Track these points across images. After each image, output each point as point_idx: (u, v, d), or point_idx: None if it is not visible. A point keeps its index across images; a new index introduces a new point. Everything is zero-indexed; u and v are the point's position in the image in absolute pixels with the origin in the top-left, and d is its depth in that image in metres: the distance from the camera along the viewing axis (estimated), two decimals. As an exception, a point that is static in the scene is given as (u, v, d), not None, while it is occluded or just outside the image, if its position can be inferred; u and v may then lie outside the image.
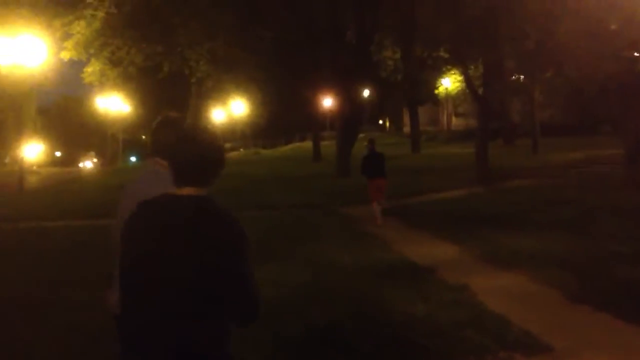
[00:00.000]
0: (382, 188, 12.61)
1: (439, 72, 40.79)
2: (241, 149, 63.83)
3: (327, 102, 37.31)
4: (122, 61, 21.40)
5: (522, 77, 29.30)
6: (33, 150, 71.95)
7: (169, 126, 2.99)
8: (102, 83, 23.94)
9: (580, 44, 12.18)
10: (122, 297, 2.31)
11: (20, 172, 24.36)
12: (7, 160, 51.80)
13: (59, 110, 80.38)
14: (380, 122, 73.24)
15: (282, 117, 54.70)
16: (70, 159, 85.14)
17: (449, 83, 42.77)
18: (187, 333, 2.07)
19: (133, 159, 68.03)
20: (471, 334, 5.29)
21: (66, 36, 21.51)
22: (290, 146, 60.86)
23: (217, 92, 30.66)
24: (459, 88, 42.18)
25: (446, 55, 35.32)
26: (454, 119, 52.70)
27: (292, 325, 5.49)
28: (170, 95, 35.65)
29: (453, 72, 39.78)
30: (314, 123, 42.68)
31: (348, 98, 27.51)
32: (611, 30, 12.33)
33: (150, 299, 2.12)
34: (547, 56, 15.77)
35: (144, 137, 50.07)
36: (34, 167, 67.37)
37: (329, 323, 5.51)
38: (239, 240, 2.13)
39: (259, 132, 63.19)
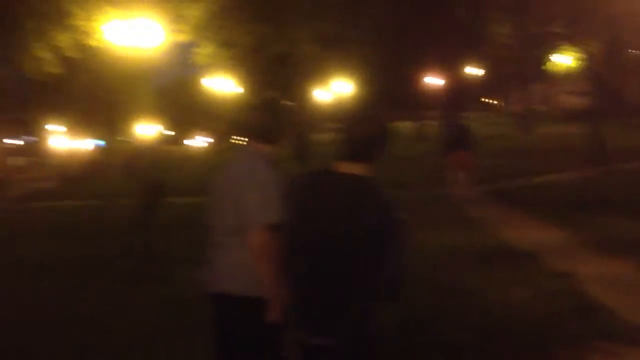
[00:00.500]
0: (463, 162, 12.36)
1: (552, 49, 38.85)
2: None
3: (433, 80, 36.53)
4: (234, 43, 21.94)
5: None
6: (149, 130, 75.72)
7: (267, 108, 3.04)
8: (214, 64, 24.66)
9: None
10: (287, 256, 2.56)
11: (134, 151, 25.78)
12: (125, 139, 54.75)
13: (173, 91, 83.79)
14: (489, 100, 71.00)
15: (389, 95, 54.09)
16: (182, 138, 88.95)
17: (563, 60, 40.63)
18: (343, 298, 2.29)
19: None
20: (572, 324, 5.08)
21: (182, 19, 22.27)
22: (397, 124, 60.12)
23: (321, 71, 30.80)
24: (574, 65, 40.02)
25: (560, 31, 33.67)
26: (568, 98, 50.15)
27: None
28: (276, 76, 36.26)
29: (567, 49, 37.78)
30: (419, 102, 41.93)
31: (455, 75, 26.87)
32: None
33: (311, 261, 2.36)
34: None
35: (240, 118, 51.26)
36: (153, 146, 70.62)
37: (420, 310, 5.39)
38: (390, 218, 2.29)
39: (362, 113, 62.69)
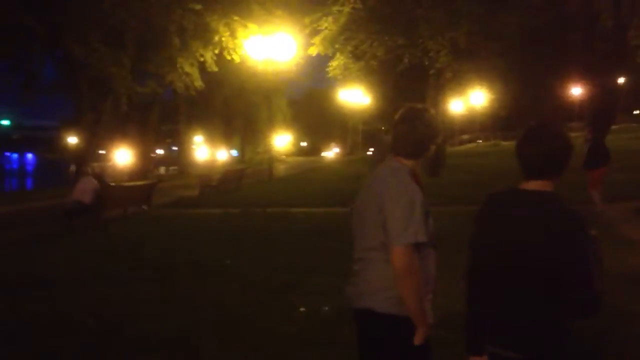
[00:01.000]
0: (596, 178, 11.84)
1: None
2: (479, 141, 62.36)
3: (576, 90, 34.63)
4: (365, 54, 22.01)
5: None
6: (282, 140, 78.10)
7: (410, 120, 2.85)
8: (345, 76, 24.89)
9: None
10: (471, 277, 2.56)
11: (270, 161, 26.52)
12: (259, 150, 56.81)
13: (305, 102, 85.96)
14: (637, 112, 66.36)
15: (525, 107, 52.14)
16: (314, 149, 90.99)
17: None
18: (537, 314, 2.30)
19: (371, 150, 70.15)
20: None
21: (314, 32, 22.71)
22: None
23: (456, 82, 30.09)
24: None
25: None
26: None
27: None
28: (409, 87, 35.96)
29: None
30: (560, 113, 39.94)
31: (601, 86, 25.25)
32: None
33: (501, 281, 2.37)
34: None
35: (382, 128, 51.38)
36: (283, 156, 73.10)
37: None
38: (581, 234, 2.25)
39: (499, 123, 61.08)
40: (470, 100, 48.04)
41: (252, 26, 22.65)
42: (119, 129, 34.09)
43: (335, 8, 21.45)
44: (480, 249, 2.50)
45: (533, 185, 2.40)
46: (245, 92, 45.16)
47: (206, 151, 57.72)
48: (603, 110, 23.92)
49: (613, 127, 38.99)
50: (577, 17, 25.56)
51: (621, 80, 34.93)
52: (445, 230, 10.79)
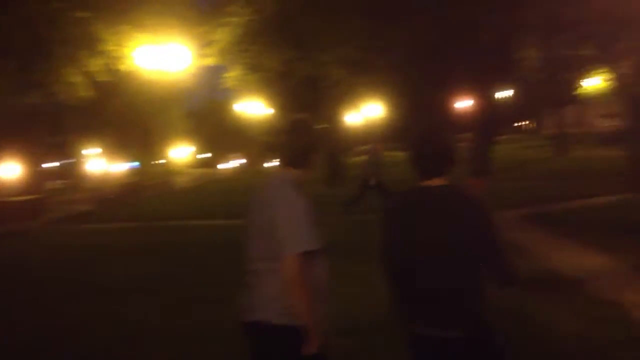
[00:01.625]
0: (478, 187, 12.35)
1: (585, 71, 38.29)
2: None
3: (464, 103, 36.22)
4: (260, 66, 22.03)
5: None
6: (184, 152, 76.56)
7: (297, 131, 2.88)
8: (242, 88, 24.78)
9: None
10: (390, 264, 2.76)
11: (169, 173, 25.92)
12: (159, 162, 55.41)
13: (207, 113, 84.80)
14: (522, 123, 70.34)
15: (418, 119, 53.93)
16: (217, 161, 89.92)
17: (596, 82, 40.03)
18: (452, 286, 2.54)
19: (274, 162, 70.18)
20: (628, 355, 4.83)
21: (210, 43, 22.45)
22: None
23: (352, 95, 30.72)
24: (607, 87, 39.37)
25: (593, 53, 33.12)
26: (601, 120, 49.36)
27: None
28: (307, 98, 36.31)
29: (600, 71, 37.21)
30: (450, 125, 41.62)
31: (485, 99, 26.54)
32: None
33: (419, 265, 2.60)
34: None
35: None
36: (186, 168, 71.63)
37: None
38: (485, 216, 2.57)
39: (394, 135, 62.72)
40: (366, 112, 49.16)
41: (141, 35, 22.00)
42: (3, 142, 32.15)
43: (230, 19, 21.32)
44: (394, 240, 2.73)
45: (432, 182, 2.67)
46: (140, 102, 43.84)
47: (102, 163, 55.51)
48: (487, 121, 25.13)
49: (500, 137, 41.11)
50: (461, 31, 26.71)
51: (508, 93, 36.96)
52: (337, 239, 10.98)
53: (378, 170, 15.00)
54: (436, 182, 2.67)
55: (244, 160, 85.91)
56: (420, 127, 2.84)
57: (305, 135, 2.86)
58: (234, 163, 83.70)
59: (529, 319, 5.81)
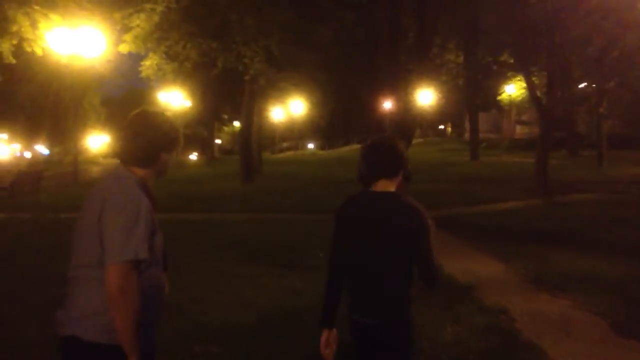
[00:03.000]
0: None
1: (503, 78, 39.54)
2: (298, 149, 63.80)
3: (387, 104, 36.65)
4: (178, 56, 21.37)
5: (586, 85, 27.98)
6: (98, 142, 74.07)
7: (137, 124, 2.60)
8: (159, 77, 24.02)
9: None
10: (333, 262, 3.07)
11: (75, 162, 24.83)
12: (68, 150, 53.33)
13: (125, 103, 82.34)
14: (442, 127, 71.97)
15: (342, 118, 54.30)
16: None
17: (513, 89, 41.42)
18: (389, 287, 2.91)
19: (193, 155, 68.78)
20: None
21: (126, 29, 21.62)
22: (347, 148, 60.48)
23: (276, 90, 30.43)
24: (523, 95, 40.80)
25: (510, 61, 34.18)
26: (517, 127, 51.11)
27: (305, 343, 5.06)
28: (226, 92, 35.75)
29: (517, 79, 38.48)
30: (372, 125, 42.08)
31: (405, 101, 26.83)
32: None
33: (362, 265, 2.95)
34: (611, 65, 14.70)
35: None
36: (101, 158, 69.26)
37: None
38: (422, 227, 2.86)
39: (317, 133, 63.02)
40: (290, 108, 49.07)
41: (55, 17, 20.92)
42: None
43: (148, 6, 20.56)
44: (342, 239, 3.03)
45: (380, 186, 2.96)
46: (52, 88, 42.04)
47: (7, 150, 52.88)
48: (405, 124, 25.44)
49: (418, 140, 41.82)
50: (385, 33, 26.94)
51: (428, 96, 37.58)
52: (241, 239, 10.75)
53: None
54: (383, 186, 2.97)
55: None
56: (373, 136, 3.06)
57: (151, 130, 2.56)
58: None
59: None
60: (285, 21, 19.60)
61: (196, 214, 14.69)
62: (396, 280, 2.90)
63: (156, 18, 20.98)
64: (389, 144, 3.01)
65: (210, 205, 16.24)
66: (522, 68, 19.76)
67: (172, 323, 5.83)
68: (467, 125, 51.64)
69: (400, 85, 27.35)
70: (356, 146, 58.48)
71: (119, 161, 2.61)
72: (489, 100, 44.58)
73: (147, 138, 2.56)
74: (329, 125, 56.91)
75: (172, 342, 5.22)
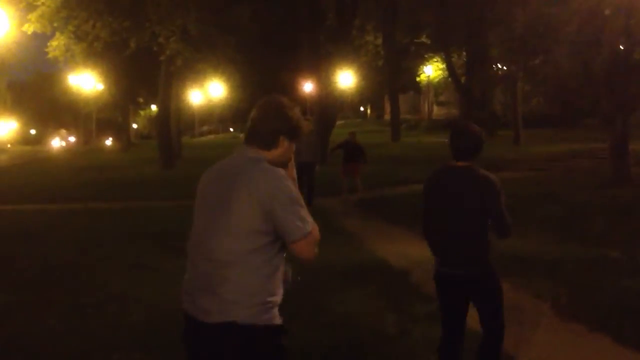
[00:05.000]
0: (354, 170, 14.08)
1: (421, 59, 40.02)
2: (219, 133, 62.67)
3: (307, 86, 36.32)
4: (87, 35, 20.14)
5: (504, 67, 28.60)
6: (4, 128, 70.16)
7: (263, 109, 2.66)
8: (67, 59, 22.63)
9: (572, 29, 11.35)
10: (425, 220, 3.85)
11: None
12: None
13: (33, 87, 78.25)
14: (362, 109, 72.43)
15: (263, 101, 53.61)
16: (44, 137, 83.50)
17: (431, 71, 42.01)
18: (471, 241, 3.65)
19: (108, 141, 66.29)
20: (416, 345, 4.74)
21: (30, 8, 20.25)
22: (268, 130, 59.76)
23: (194, 73, 29.39)
24: (441, 76, 41.45)
25: (429, 42, 34.54)
26: (435, 108, 52.04)
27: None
28: (141, 74, 34.37)
29: (435, 60, 39.02)
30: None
31: (326, 83, 26.65)
32: (605, 15, 11.49)
33: (447, 221, 3.67)
34: (536, 42, 14.87)
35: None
36: (8, 145, 65.63)
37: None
38: (496, 189, 3.57)
39: (238, 116, 62.13)
40: (209, 91, 47.92)
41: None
42: None
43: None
44: (430, 201, 3.76)
45: (461, 164, 3.67)
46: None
47: None
48: (327, 106, 25.23)
49: (340, 122, 41.77)
50: (305, 14, 26.58)
51: (349, 78, 37.53)
52: (168, 227, 10.14)
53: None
54: (463, 163, 3.66)
55: (69, 139, 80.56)
56: (460, 121, 3.31)
57: (274, 116, 2.62)
58: (57, 140, 77.97)
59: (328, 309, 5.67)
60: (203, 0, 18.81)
61: (114, 202, 13.88)
62: (476, 236, 3.62)
63: (63, -5, 19.75)
64: (474, 130, 3.72)
65: (129, 193, 15.40)
66: (442, 47, 19.88)
67: (88, 325, 5.30)
68: (387, 106, 52.16)
69: (321, 66, 27.23)
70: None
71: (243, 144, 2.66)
72: (407, 82, 45.10)
73: (269, 122, 2.61)
74: (250, 107, 55.93)
75: (86, 349, 4.68)
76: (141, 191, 15.82)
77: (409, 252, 8.31)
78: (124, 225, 10.67)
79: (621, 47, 12.06)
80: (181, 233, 9.65)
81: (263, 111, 2.62)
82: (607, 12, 11.35)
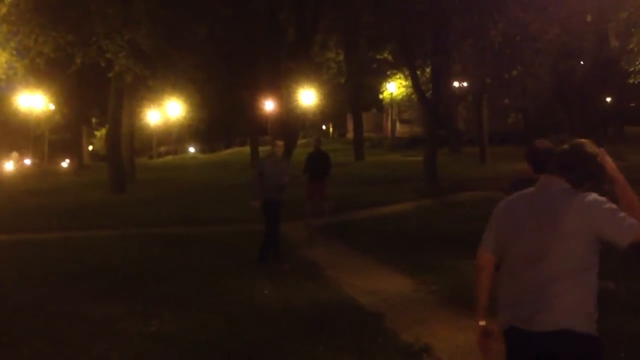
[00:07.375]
0: (322, 192, 12.00)
1: (384, 77, 39.44)
2: (177, 153, 61.05)
3: (268, 105, 35.31)
4: (30, 51, 18.77)
5: (465, 84, 28.15)
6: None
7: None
8: (10, 77, 21.10)
9: (552, 37, 10.65)
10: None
11: None
12: None
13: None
14: (324, 127, 71.78)
15: (222, 120, 52.39)
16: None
17: (394, 88, 41.46)
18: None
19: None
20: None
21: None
22: (229, 151, 58.55)
23: (152, 92, 28.06)
24: (404, 93, 40.92)
25: (391, 58, 33.95)
26: (398, 126, 51.53)
27: None
28: (95, 93, 32.97)
29: (398, 77, 38.45)
30: (254, 127, 40.60)
31: (288, 101, 25.78)
32: (586, 22, 10.84)
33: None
34: (514, 51, 14.12)
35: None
36: (-44, 169, 62.77)
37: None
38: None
39: (197, 136, 60.67)
40: (167, 110, 46.52)
41: None
42: None
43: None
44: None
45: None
46: None
47: None
48: (288, 124, 24.32)
49: (302, 140, 40.83)
50: (264, 32, 25.73)
51: (310, 96, 36.65)
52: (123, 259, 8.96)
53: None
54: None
55: (28, 161, 77.85)
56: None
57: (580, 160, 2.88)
58: (17, 163, 75.22)
59: None
60: (152, 11, 17.66)
61: (51, 232, 12.51)
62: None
63: (4, 9, 18.46)
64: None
65: (69, 222, 13.98)
66: (406, 61, 19.09)
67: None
68: (349, 125, 51.46)
69: (282, 83, 26.35)
70: (238, 149, 56.71)
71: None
72: (370, 100, 44.44)
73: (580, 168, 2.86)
74: (209, 127, 54.78)
75: None
76: (84, 219, 14.42)
77: (381, 287, 7.34)
78: (52, 261, 9.33)
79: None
80: (116, 269, 8.35)
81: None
82: (588, 18, 10.70)
